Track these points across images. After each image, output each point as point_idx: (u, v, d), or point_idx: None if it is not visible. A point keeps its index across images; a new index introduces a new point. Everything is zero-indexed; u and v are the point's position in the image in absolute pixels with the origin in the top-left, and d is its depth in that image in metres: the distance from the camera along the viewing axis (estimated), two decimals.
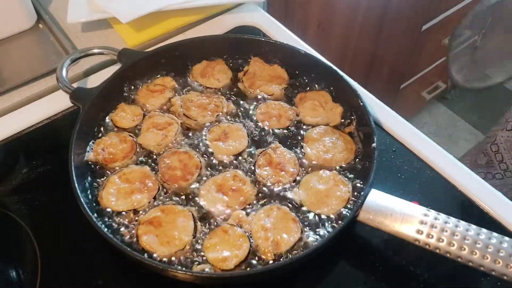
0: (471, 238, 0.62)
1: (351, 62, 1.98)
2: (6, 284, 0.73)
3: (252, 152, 0.82)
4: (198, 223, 0.73)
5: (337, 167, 0.80)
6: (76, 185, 0.73)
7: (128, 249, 0.67)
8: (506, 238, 0.62)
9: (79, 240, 0.76)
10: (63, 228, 0.78)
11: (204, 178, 0.79)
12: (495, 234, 0.62)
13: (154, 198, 0.76)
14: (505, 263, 0.59)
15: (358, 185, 0.77)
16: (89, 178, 0.79)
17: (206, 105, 0.89)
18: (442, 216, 0.65)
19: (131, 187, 0.77)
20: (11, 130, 0.91)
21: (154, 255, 0.69)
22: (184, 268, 0.68)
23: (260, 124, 0.86)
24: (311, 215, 0.74)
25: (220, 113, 0.88)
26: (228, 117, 0.88)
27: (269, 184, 0.77)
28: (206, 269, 0.68)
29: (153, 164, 0.81)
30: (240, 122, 0.87)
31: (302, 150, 0.82)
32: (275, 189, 0.77)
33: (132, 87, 0.92)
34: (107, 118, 0.87)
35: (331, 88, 0.90)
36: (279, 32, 1.07)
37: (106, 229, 0.70)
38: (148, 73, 0.94)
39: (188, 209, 0.74)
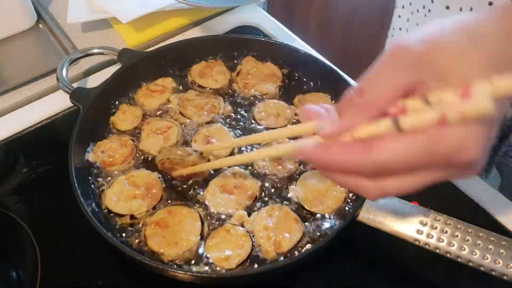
0: (471, 238, 0.62)
1: (352, 62, 1.97)
2: (6, 284, 0.73)
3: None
4: (205, 223, 0.73)
5: None
6: (76, 185, 0.73)
7: (128, 249, 0.67)
8: (506, 238, 0.62)
9: (79, 240, 0.76)
10: (63, 228, 0.78)
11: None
12: (495, 234, 0.62)
13: (154, 208, 0.75)
14: (505, 263, 0.59)
15: None
16: (90, 178, 0.79)
17: (203, 105, 0.88)
18: (442, 216, 0.65)
19: (134, 192, 0.76)
20: (11, 130, 0.91)
21: (163, 256, 0.69)
22: (184, 268, 0.68)
23: (258, 122, 0.86)
24: (312, 215, 0.74)
25: (216, 114, 0.87)
26: (223, 118, 0.88)
27: (266, 173, 0.78)
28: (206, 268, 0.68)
29: (154, 169, 0.81)
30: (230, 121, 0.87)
31: None
32: (274, 182, 0.78)
33: (132, 87, 0.92)
34: (107, 119, 0.87)
35: (331, 88, 0.90)
36: (279, 32, 1.07)
37: (106, 230, 0.70)
38: (148, 73, 0.93)
39: (195, 210, 0.74)
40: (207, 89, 0.92)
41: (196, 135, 0.84)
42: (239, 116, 0.88)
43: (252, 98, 0.91)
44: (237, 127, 0.86)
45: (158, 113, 0.89)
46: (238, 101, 0.91)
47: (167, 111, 0.89)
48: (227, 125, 0.86)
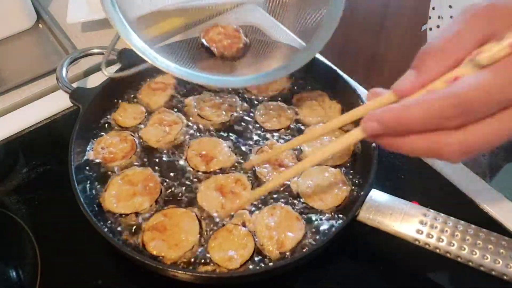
0: (471, 238, 0.62)
1: (351, 63, 1.98)
2: (6, 284, 0.73)
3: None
4: (203, 222, 0.73)
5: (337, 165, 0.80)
6: (76, 185, 0.73)
7: (128, 249, 0.67)
8: (506, 238, 0.61)
9: (79, 240, 0.76)
10: (63, 228, 0.78)
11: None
12: (495, 234, 0.62)
13: (156, 201, 0.75)
14: (505, 263, 0.59)
15: (358, 184, 0.77)
16: (90, 178, 0.79)
17: (219, 105, 0.88)
18: (442, 216, 0.65)
19: (133, 189, 0.76)
20: (11, 130, 0.91)
21: (164, 259, 0.69)
22: (183, 268, 0.68)
23: (262, 125, 0.86)
24: (313, 214, 0.74)
25: (234, 112, 0.87)
26: (243, 112, 0.88)
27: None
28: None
29: (154, 165, 0.81)
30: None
31: (299, 147, 0.82)
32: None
33: (132, 87, 0.92)
34: (108, 117, 0.87)
35: (330, 88, 0.90)
36: (279, 32, 1.07)
37: (106, 230, 0.70)
38: (148, 73, 0.94)
39: (191, 210, 0.74)
40: (205, 88, 0.92)
41: (188, 150, 0.82)
42: (243, 123, 0.88)
43: (267, 97, 0.91)
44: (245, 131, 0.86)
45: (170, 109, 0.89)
46: (249, 99, 0.91)
47: (183, 111, 0.89)
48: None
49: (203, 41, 0.89)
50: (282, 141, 0.83)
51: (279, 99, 0.90)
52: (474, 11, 0.47)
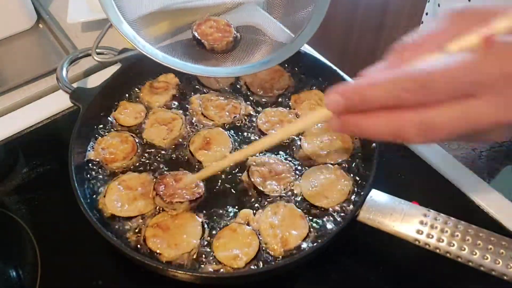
0: (471, 238, 0.62)
1: (351, 62, 1.98)
2: (6, 284, 0.73)
3: None
4: (206, 227, 0.73)
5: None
6: (76, 185, 0.73)
7: (128, 249, 0.67)
8: (506, 238, 0.61)
9: (79, 240, 0.76)
10: (63, 228, 0.78)
11: None
12: (495, 234, 0.62)
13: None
14: (505, 263, 0.59)
15: (358, 184, 0.77)
16: (90, 178, 0.79)
17: (224, 106, 0.88)
18: (442, 216, 0.65)
19: (133, 194, 0.76)
20: (11, 130, 0.91)
21: (161, 256, 0.69)
22: (184, 268, 0.68)
23: (265, 133, 0.85)
24: (316, 212, 0.74)
25: (238, 115, 0.87)
26: (245, 118, 0.88)
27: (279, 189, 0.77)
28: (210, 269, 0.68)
29: (157, 164, 0.81)
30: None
31: (299, 143, 0.82)
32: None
33: (133, 86, 0.92)
34: (108, 117, 0.87)
35: (326, 85, 0.90)
36: (279, 32, 1.07)
37: (106, 230, 0.70)
38: (148, 72, 0.94)
39: (196, 214, 0.74)
40: (206, 88, 0.92)
41: (195, 135, 0.83)
42: (244, 126, 0.87)
43: (276, 97, 0.91)
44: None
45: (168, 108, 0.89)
46: (254, 102, 0.91)
47: (188, 109, 0.89)
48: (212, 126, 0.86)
49: (195, 34, 0.90)
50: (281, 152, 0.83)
51: (269, 101, 0.90)
52: (451, 12, 0.48)
